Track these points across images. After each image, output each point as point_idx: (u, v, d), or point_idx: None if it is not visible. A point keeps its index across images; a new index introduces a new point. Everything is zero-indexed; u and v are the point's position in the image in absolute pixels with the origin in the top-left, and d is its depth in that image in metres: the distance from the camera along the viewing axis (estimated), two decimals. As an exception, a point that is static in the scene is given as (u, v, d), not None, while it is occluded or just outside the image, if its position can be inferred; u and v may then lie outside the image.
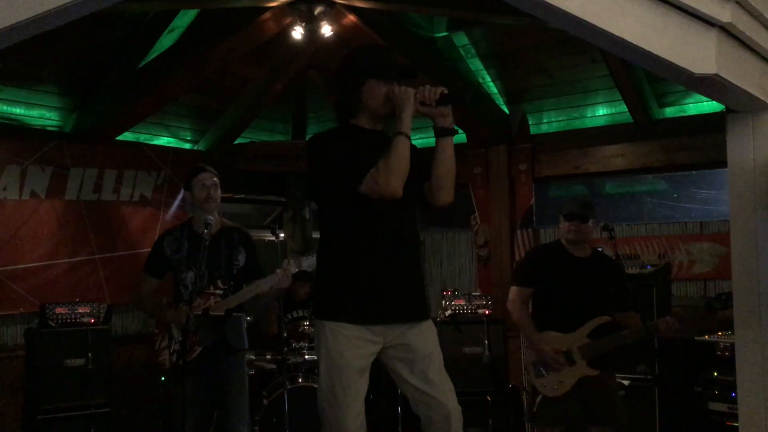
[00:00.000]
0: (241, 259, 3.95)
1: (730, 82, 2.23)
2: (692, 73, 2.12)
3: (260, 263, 4.03)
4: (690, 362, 4.85)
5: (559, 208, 4.09)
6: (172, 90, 5.61)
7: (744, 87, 2.32)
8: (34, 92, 5.39)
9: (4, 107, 5.29)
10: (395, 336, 2.63)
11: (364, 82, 2.64)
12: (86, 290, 5.53)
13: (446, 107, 2.61)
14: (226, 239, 3.93)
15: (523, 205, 6.33)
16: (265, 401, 4.86)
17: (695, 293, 5.59)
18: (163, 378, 3.99)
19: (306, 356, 5.03)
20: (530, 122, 6.36)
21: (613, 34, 1.96)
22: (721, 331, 4.72)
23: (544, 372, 3.86)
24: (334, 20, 5.10)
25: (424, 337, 2.68)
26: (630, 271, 4.94)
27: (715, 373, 4.61)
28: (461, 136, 6.15)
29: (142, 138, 6.19)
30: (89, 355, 4.80)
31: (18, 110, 5.38)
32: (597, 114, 6.16)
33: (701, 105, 5.59)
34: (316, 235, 6.81)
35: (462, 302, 5.55)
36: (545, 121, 6.42)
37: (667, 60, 2.07)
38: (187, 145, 6.62)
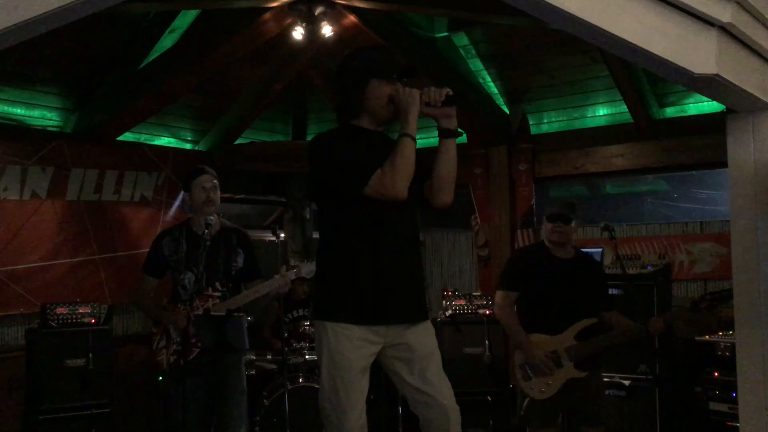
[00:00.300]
0: (240, 260, 3.95)
1: (730, 83, 2.22)
2: (692, 73, 2.12)
3: (258, 264, 4.03)
4: (690, 362, 4.85)
5: (560, 208, 4.09)
6: (172, 90, 5.62)
7: (744, 87, 2.31)
8: (34, 92, 5.39)
9: (5, 107, 5.30)
10: (395, 336, 2.63)
11: (367, 82, 2.63)
12: (87, 290, 5.53)
13: (451, 108, 2.61)
14: (225, 241, 3.93)
15: (524, 206, 6.34)
16: (265, 401, 4.86)
17: (696, 293, 5.59)
18: (160, 378, 3.99)
19: (306, 356, 5.03)
20: (530, 122, 6.37)
21: (613, 34, 1.96)
22: (721, 331, 4.72)
23: (531, 374, 3.84)
24: (335, 21, 5.11)
25: (423, 338, 2.68)
26: (630, 271, 4.93)
27: (716, 373, 4.61)
28: (461, 137, 6.15)
29: (143, 138, 6.20)
30: (90, 355, 4.80)
31: (19, 110, 5.38)
32: (597, 114, 6.16)
33: (701, 105, 5.59)
34: (316, 235, 6.81)
35: (462, 302, 5.55)
36: (545, 121, 6.42)
37: (667, 60, 2.06)
38: (188, 146, 6.62)
